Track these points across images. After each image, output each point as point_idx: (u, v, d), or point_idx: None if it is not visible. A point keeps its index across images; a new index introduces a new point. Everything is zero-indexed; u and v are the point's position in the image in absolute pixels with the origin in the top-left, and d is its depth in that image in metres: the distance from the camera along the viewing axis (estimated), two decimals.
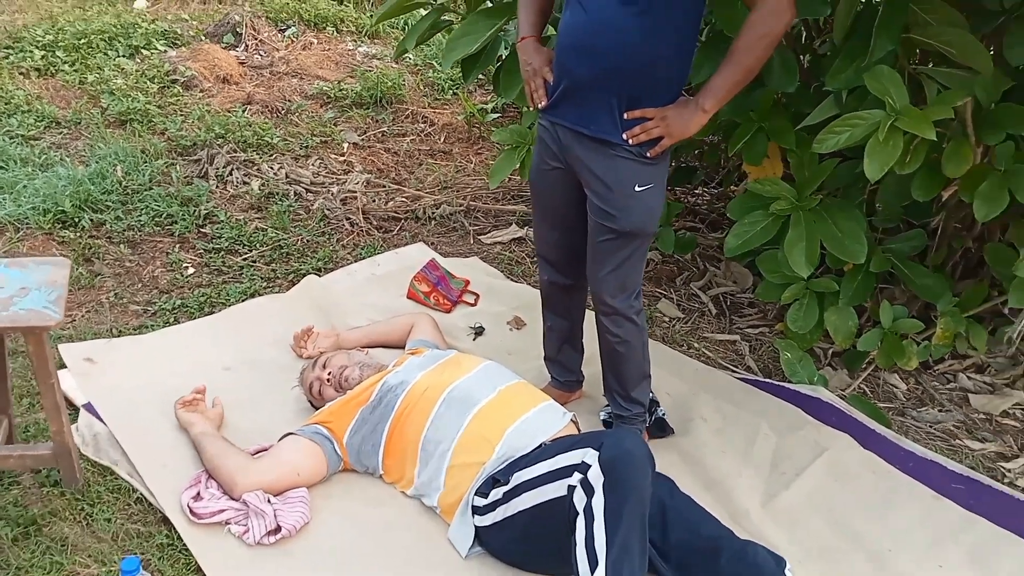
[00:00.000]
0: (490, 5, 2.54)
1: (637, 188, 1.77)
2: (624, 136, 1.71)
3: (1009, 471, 2.12)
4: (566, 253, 2.04)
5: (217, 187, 3.22)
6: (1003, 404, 2.37)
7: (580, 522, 1.46)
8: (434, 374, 1.90)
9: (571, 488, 1.51)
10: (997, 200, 1.88)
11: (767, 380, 2.40)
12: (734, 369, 2.50)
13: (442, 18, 2.74)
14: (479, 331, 2.53)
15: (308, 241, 2.95)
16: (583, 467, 1.50)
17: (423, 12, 2.78)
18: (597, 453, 1.50)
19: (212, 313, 2.46)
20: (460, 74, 2.86)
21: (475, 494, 1.69)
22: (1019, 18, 1.75)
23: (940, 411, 2.36)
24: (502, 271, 2.95)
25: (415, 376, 1.89)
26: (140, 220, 2.89)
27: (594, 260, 1.92)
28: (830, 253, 2.18)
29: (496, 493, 1.65)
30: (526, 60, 1.85)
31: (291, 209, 3.12)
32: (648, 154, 1.73)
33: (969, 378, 2.48)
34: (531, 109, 1.90)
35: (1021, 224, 2.24)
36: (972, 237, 2.48)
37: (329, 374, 2.00)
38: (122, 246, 2.77)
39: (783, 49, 2.09)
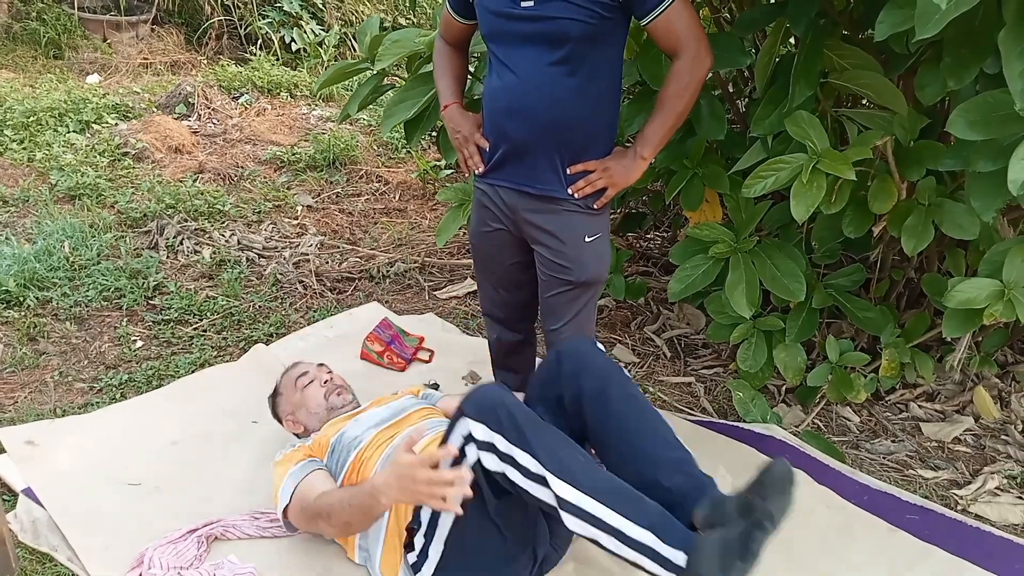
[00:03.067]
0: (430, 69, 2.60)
1: (587, 239, 1.84)
2: (569, 191, 1.77)
3: (962, 498, 2.14)
4: (514, 311, 2.09)
5: (167, 257, 3.21)
6: (954, 431, 2.40)
7: (507, 471, 1.42)
8: (386, 431, 1.85)
9: (476, 466, 1.44)
10: (923, 233, 1.93)
11: (722, 421, 2.42)
12: (690, 412, 2.51)
13: (384, 82, 2.79)
14: (434, 388, 2.52)
15: (260, 307, 2.93)
16: (468, 439, 1.46)
17: (367, 76, 2.83)
18: (465, 417, 1.46)
19: (160, 386, 2.42)
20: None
21: (405, 552, 1.64)
22: (928, 61, 1.82)
23: (893, 442, 2.38)
24: (458, 325, 2.96)
25: (368, 434, 1.83)
26: (87, 296, 2.85)
27: (550, 315, 1.96)
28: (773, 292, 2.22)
29: (418, 539, 1.59)
30: (454, 128, 1.88)
31: (243, 276, 3.11)
32: (594, 206, 1.81)
33: (920, 407, 2.52)
34: (467, 175, 1.92)
35: (957, 253, 2.30)
36: (912, 267, 2.54)
37: (329, 376, 2.07)
38: (68, 323, 2.73)
39: (710, 98, 2.16)
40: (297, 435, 2.03)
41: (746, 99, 2.80)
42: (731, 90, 2.78)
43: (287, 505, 1.73)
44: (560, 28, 1.62)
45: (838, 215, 2.04)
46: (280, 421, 2.07)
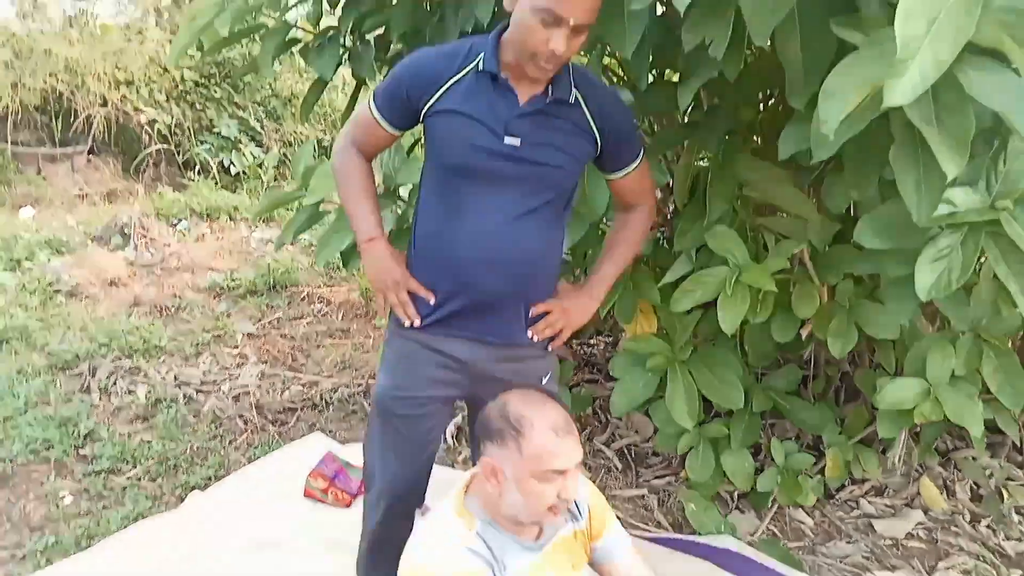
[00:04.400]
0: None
1: (543, 381, 1.72)
2: (529, 334, 1.64)
3: None
4: (420, 483, 1.77)
5: (100, 400, 3.09)
6: (906, 526, 2.40)
7: None
8: None
9: None
10: (848, 335, 1.99)
11: (678, 536, 2.37)
12: (644, 527, 2.46)
13: (320, 208, 2.82)
14: None
15: (198, 448, 2.82)
16: None
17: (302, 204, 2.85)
18: None
19: (90, 547, 2.28)
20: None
21: None
22: (832, 171, 1.92)
23: (848, 543, 2.36)
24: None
25: None
26: (12, 451, 2.71)
27: None
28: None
29: None
30: (383, 268, 1.60)
31: (179, 415, 3.01)
32: (550, 347, 1.71)
33: (870, 502, 2.52)
34: (407, 326, 1.61)
35: (886, 346, 2.36)
36: (846, 362, 2.59)
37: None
38: None
39: None
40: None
41: (672, 208, 2.90)
42: (658, 198, 2.88)
43: None
44: (547, 175, 1.53)
45: (767, 322, 2.09)
46: (481, 452, 1.43)
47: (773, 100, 2.33)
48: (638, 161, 1.65)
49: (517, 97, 1.49)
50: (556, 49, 1.37)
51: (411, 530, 1.53)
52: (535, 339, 1.65)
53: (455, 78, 1.50)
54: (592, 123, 1.54)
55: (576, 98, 1.52)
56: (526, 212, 1.53)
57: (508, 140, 1.48)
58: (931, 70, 1.10)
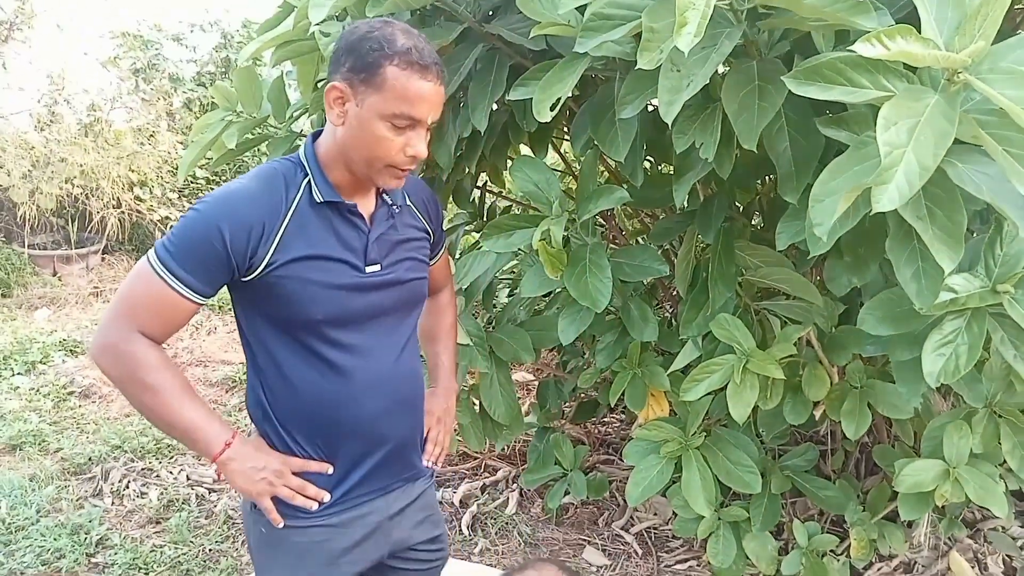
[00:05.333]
0: None
1: (438, 509, 1.63)
2: (425, 461, 1.55)
3: None
4: None
5: (112, 504, 3.08)
6: None
7: None
8: None
9: None
10: (861, 416, 1.97)
11: None
12: None
13: None
14: None
15: (211, 551, 2.79)
16: None
17: None
18: None
19: None
20: None
21: None
22: (833, 254, 1.93)
23: None
24: None
25: None
26: (23, 562, 2.69)
27: None
28: None
29: None
30: (257, 468, 1.31)
31: (192, 517, 2.99)
32: (439, 465, 1.60)
33: None
34: (315, 509, 1.38)
35: (904, 422, 2.33)
36: (865, 435, 2.55)
37: None
38: None
39: (638, 302, 2.24)
40: None
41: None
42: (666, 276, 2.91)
43: None
44: (415, 291, 1.43)
45: (779, 404, 2.07)
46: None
47: (769, 181, 2.36)
48: (445, 244, 1.62)
49: (365, 220, 1.34)
50: (419, 153, 1.26)
51: None
52: (431, 464, 1.56)
53: (287, 217, 1.26)
54: (424, 221, 1.47)
55: (407, 199, 1.43)
56: (407, 339, 1.42)
57: (369, 269, 1.33)
58: (916, 176, 1.12)
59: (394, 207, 1.39)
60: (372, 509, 1.43)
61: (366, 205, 1.36)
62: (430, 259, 1.53)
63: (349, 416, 1.35)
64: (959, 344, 1.50)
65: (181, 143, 6.56)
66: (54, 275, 6.12)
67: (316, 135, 1.35)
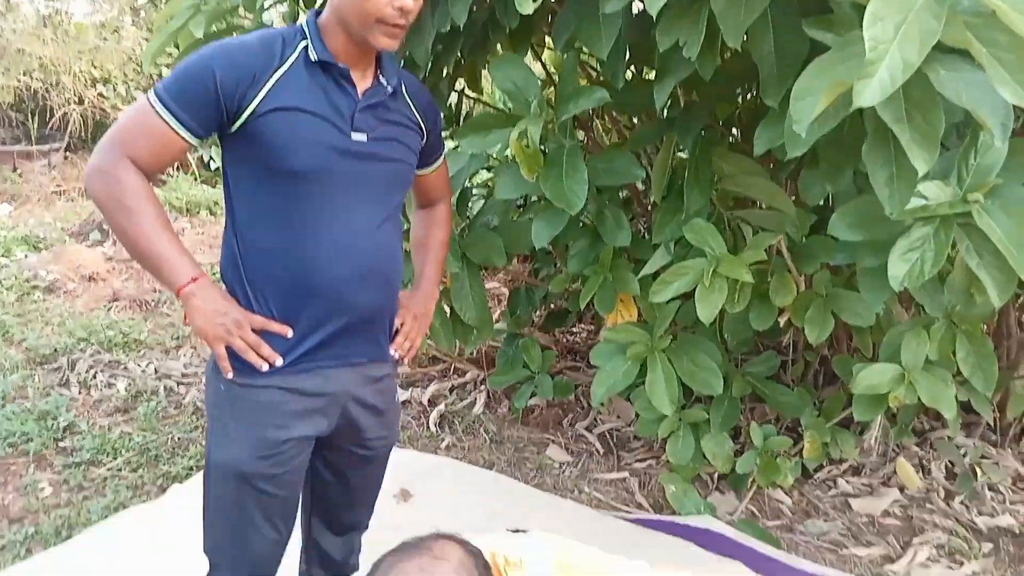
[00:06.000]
0: None
1: (397, 399, 1.63)
2: (392, 351, 1.54)
3: (896, 573, 2.17)
4: (281, 549, 1.56)
5: (79, 394, 3.09)
6: (882, 504, 2.45)
7: None
8: None
9: None
10: (824, 323, 2.02)
11: (658, 517, 2.41)
12: (626, 509, 2.51)
13: None
14: None
15: (179, 439, 2.83)
16: None
17: None
18: None
19: (71, 537, 2.28)
20: None
21: None
22: (808, 165, 1.94)
23: (825, 520, 2.41)
24: None
25: None
26: None
27: (355, 501, 1.67)
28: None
29: None
30: (218, 311, 1.32)
31: (160, 407, 3.01)
32: (407, 361, 1.60)
33: (847, 482, 2.57)
34: (266, 369, 1.37)
35: (864, 332, 2.40)
36: (824, 347, 2.64)
37: None
38: None
39: (614, 208, 2.24)
40: None
41: (653, 197, 2.92)
42: (639, 188, 2.90)
43: None
44: (399, 173, 1.45)
45: (745, 311, 2.12)
46: None
47: (750, 96, 2.34)
48: (444, 153, 1.63)
49: (356, 89, 1.35)
50: (406, 5, 1.27)
51: None
52: (398, 355, 1.55)
53: (280, 71, 1.30)
54: (418, 115, 1.48)
55: (403, 89, 1.45)
56: (386, 216, 1.42)
57: (355, 136, 1.34)
58: (899, 72, 1.12)
59: (388, 88, 1.40)
60: (330, 379, 1.43)
61: (361, 80, 1.38)
62: (425, 162, 1.57)
63: (315, 278, 1.35)
64: (925, 250, 1.54)
65: (146, 39, 6.28)
66: (14, 171, 5.93)
67: (318, 12, 1.38)
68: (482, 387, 3.22)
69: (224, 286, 1.40)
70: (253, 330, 1.35)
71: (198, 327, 1.34)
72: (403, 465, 2.69)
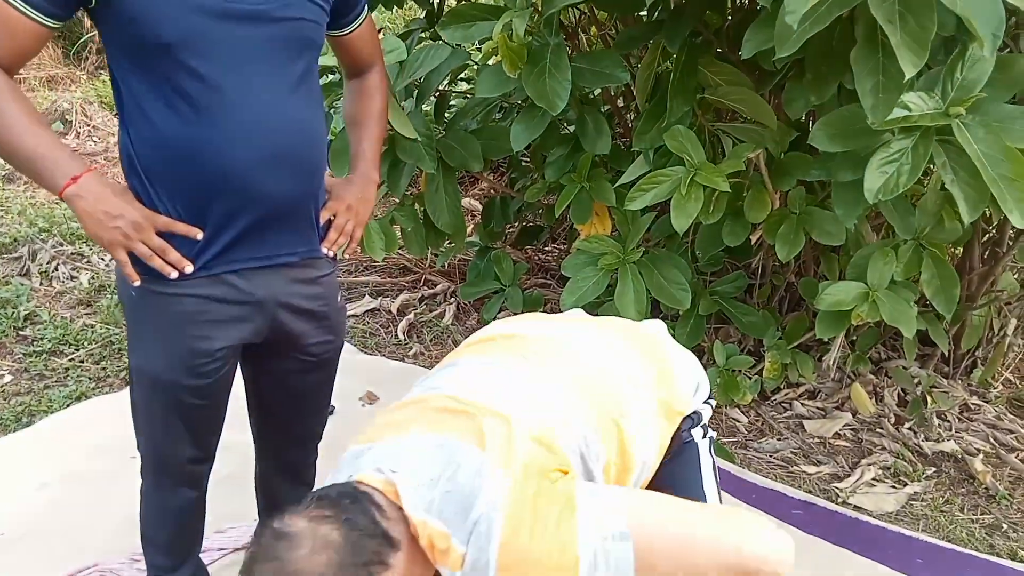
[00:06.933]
0: None
1: (340, 300, 1.48)
2: (324, 248, 1.38)
3: (842, 491, 2.25)
4: (213, 450, 1.47)
5: (41, 285, 3.02)
6: (834, 427, 2.52)
7: None
8: None
9: None
10: (795, 240, 2.03)
11: None
12: None
13: None
14: (329, 412, 2.46)
15: None
16: None
17: None
18: None
19: (31, 424, 2.27)
20: None
21: None
22: (794, 77, 1.92)
23: (779, 440, 2.48)
24: (355, 344, 2.90)
25: None
26: None
27: (304, 410, 1.56)
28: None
29: None
30: (112, 211, 1.16)
31: None
32: (346, 254, 1.45)
33: (803, 404, 2.64)
34: (174, 277, 1.23)
35: (831, 258, 2.43)
36: (791, 272, 2.67)
37: None
38: None
39: (595, 115, 2.21)
40: None
41: (633, 114, 2.88)
42: (620, 105, 2.86)
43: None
44: (303, 32, 1.23)
45: (719, 225, 2.12)
46: None
47: (740, 9, 2.30)
48: (365, 8, 1.41)
49: None
50: None
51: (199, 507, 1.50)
52: (331, 252, 1.39)
53: None
54: None
55: None
56: (295, 84, 1.23)
57: None
58: None
59: None
60: (253, 283, 1.28)
61: None
62: (342, 21, 1.37)
63: (215, 165, 1.18)
64: (903, 163, 1.54)
65: None
66: None
67: None
68: (452, 299, 3.22)
69: (125, 183, 1.24)
70: (158, 232, 1.19)
71: (91, 232, 1.17)
72: (370, 370, 2.70)
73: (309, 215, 1.33)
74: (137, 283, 1.22)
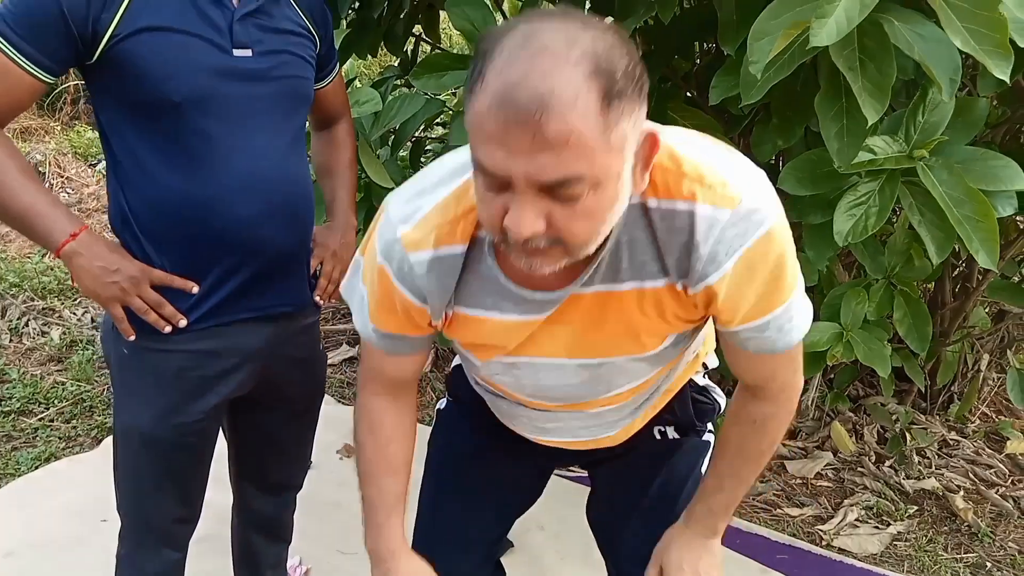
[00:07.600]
0: None
1: (321, 345, 1.51)
2: (316, 297, 1.41)
3: (826, 532, 2.23)
4: (198, 510, 1.45)
5: (10, 341, 2.97)
6: (816, 467, 2.52)
7: None
8: None
9: None
10: None
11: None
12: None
13: None
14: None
15: None
16: None
17: None
18: None
19: None
20: None
21: None
22: (761, 121, 1.95)
23: (761, 482, 2.47)
24: (333, 395, 2.87)
25: None
26: None
27: (285, 459, 1.55)
28: None
29: None
30: (109, 267, 1.16)
31: (96, 357, 2.91)
32: (332, 299, 1.46)
33: (783, 445, 2.63)
34: (168, 331, 1.22)
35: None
36: None
37: None
38: None
39: None
40: None
41: None
42: None
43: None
44: (297, 89, 1.27)
45: None
46: None
47: (707, 48, 2.35)
48: (337, 62, 1.46)
49: None
50: None
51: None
52: (323, 301, 1.42)
53: None
54: (306, 19, 1.30)
55: None
56: (291, 142, 1.27)
57: (238, 53, 1.17)
58: (855, 12, 1.13)
59: None
60: (247, 335, 1.29)
61: None
62: (319, 75, 1.39)
63: (218, 220, 1.18)
64: (870, 206, 1.56)
65: None
66: None
67: None
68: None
69: (116, 239, 1.23)
70: (153, 287, 1.19)
71: (88, 290, 1.17)
72: (348, 421, 2.63)
73: (303, 266, 1.37)
74: (132, 338, 1.21)
